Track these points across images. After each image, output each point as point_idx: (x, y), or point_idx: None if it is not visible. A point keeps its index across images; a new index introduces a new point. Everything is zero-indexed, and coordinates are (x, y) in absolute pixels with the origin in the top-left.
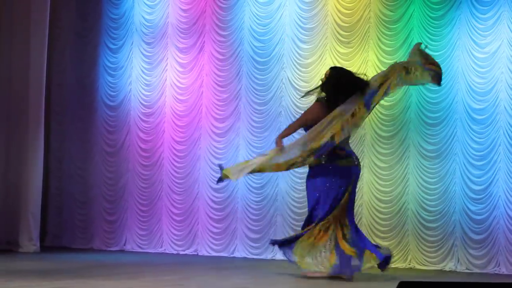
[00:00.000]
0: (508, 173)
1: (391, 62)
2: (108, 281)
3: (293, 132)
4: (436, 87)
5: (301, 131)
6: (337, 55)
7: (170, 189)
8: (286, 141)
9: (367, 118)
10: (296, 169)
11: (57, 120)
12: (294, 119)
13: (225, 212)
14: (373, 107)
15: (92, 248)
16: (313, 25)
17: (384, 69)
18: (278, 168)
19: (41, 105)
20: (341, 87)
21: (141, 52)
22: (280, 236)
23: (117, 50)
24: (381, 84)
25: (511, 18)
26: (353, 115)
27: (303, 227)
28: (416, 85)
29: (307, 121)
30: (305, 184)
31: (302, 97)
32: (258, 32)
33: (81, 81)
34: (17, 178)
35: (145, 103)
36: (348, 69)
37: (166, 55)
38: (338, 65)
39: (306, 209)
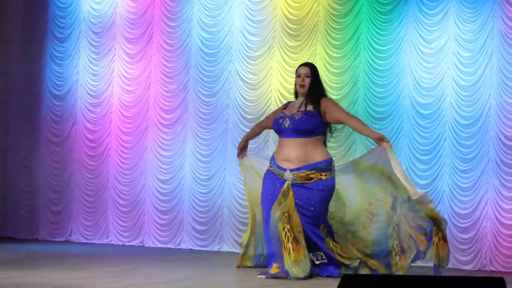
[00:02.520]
0: (453, 168)
1: (339, 56)
2: (53, 272)
3: (255, 134)
4: (383, 82)
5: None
6: (285, 48)
7: (116, 180)
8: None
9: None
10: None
11: (2, 109)
12: (241, 112)
13: (171, 203)
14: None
15: (37, 238)
16: (262, 18)
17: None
18: None
19: None
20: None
21: (89, 42)
22: (227, 230)
23: (64, 39)
24: None
25: (458, 14)
26: None
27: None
28: None
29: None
30: None
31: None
32: (207, 23)
33: (28, 71)
34: None
35: (92, 93)
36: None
37: (114, 45)
38: (286, 58)
39: None
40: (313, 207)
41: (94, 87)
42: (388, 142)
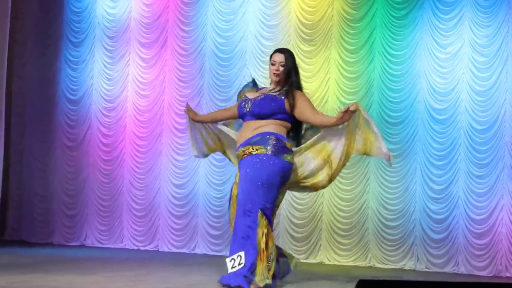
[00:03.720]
0: (468, 173)
1: (353, 60)
2: (67, 276)
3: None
4: (398, 87)
5: None
6: (299, 52)
7: (131, 185)
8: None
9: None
10: None
11: (18, 113)
12: None
13: (186, 208)
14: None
15: (52, 242)
16: (276, 22)
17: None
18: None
19: (2, 98)
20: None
21: (103, 46)
22: None
23: (79, 43)
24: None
25: (473, 19)
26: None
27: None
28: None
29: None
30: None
31: None
32: (221, 28)
33: (43, 75)
34: None
35: (107, 98)
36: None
37: (129, 49)
38: (301, 62)
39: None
40: (240, 189)
41: (108, 92)
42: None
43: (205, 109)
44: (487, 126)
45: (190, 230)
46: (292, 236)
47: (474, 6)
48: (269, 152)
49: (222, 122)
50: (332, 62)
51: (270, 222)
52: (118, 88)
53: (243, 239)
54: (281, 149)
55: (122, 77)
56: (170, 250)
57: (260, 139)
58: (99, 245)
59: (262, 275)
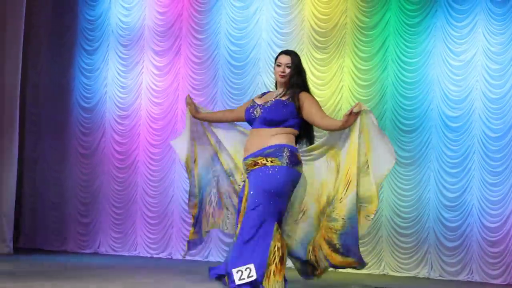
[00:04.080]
0: (482, 181)
1: (367, 68)
2: (81, 284)
3: (218, 118)
4: (411, 94)
5: None
6: (313, 60)
7: (145, 192)
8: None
9: None
10: None
11: (32, 121)
12: None
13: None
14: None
15: (66, 250)
16: (290, 30)
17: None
18: None
19: (16, 106)
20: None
21: (117, 54)
22: None
23: (93, 52)
24: None
25: (486, 27)
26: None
27: None
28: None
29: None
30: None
31: None
32: (235, 36)
33: (57, 83)
34: None
35: (121, 106)
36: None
37: (142, 57)
38: (314, 70)
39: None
40: (254, 198)
41: (122, 100)
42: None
43: None
44: (501, 134)
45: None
46: None
47: (487, 13)
48: (285, 164)
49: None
50: (345, 70)
51: (282, 235)
52: (132, 96)
53: (253, 251)
54: (295, 161)
55: (136, 85)
56: (183, 258)
57: (274, 151)
58: (113, 253)
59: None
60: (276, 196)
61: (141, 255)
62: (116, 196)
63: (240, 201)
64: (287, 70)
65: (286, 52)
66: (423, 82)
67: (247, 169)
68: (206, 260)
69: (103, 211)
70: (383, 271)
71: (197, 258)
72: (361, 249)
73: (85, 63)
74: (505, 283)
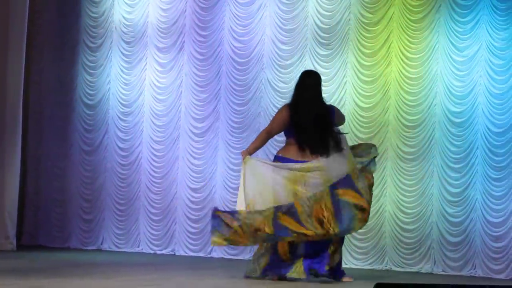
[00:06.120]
0: (485, 176)
1: (370, 64)
2: (84, 281)
3: (262, 144)
4: (415, 90)
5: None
6: (316, 56)
7: (148, 189)
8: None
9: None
10: None
11: (35, 119)
12: None
13: (203, 212)
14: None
15: (69, 247)
16: (293, 27)
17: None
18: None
19: (19, 103)
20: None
21: (120, 51)
22: None
23: (96, 48)
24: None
25: (490, 22)
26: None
27: None
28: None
29: (272, 130)
30: None
31: None
32: (238, 32)
33: (60, 80)
34: None
35: (124, 102)
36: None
37: (146, 54)
38: (318, 66)
39: None
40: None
41: (125, 96)
42: None
43: (222, 113)
44: (505, 129)
45: (206, 234)
46: None
47: (491, 9)
48: None
49: None
50: (349, 66)
51: None
52: (135, 93)
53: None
54: None
55: (139, 82)
56: (186, 254)
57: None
58: (116, 249)
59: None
60: None
61: (144, 251)
62: (119, 193)
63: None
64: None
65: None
66: (426, 77)
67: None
68: (209, 256)
69: (106, 207)
70: (386, 266)
71: (200, 254)
72: (363, 244)
73: (88, 60)
74: (508, 278)
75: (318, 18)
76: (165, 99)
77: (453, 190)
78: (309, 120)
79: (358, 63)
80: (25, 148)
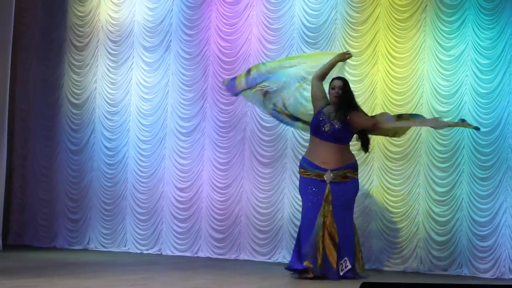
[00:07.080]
0: (471, 176)
1: (357, 63)
2: (71, 280)
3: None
4: (401, 89)
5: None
6: None
7: (134, 188)
8: None
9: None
10: (261, 170)
11: (21, 118)
12: (259, 120)
13: (189, 211)
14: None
15: (55, 246)
16: (280, 26)
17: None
18: None
19: (5, 102)
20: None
21: (107, 50)
22: (244, 238)
23: (82, 47)
24: None
25: (476, 22)
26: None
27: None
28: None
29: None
30: (270, 184)
31: None
32: (225, 31)
33: (46, 79)
34: None
35: (110, 102)
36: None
37: (132, 53)
38: None
39: (270, 209)
40: (348, 203)
41: (112, 96)
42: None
43: (208, 113)
44: (491, 128)
45: (193, 234)
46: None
47: (477, 8)
48: (356, 177)
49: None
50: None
51: None
52: (122, 92)
53: (343, 247)
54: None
55: (126, 81)
56: (173, 254)
57: (350, 169)
58: (102, 249)
59: (361, 269)
60: (353, 205)
61: (130, 251)
62: (106, 192)
63: (315, 215)
64: (340, 92)
65: (339, 78)
66: (413, 77)
67: (334, 178)
68: (196, 255)
69: (92, 207)
70: (372, 265)
71: (187, 254)
72: None
73: (74, 59)
74: (494, 277)
75: (305, 18)
76: (151, 99)
77: (440, 190)
78: None
79: (344, 62)
80: (11, 148)
